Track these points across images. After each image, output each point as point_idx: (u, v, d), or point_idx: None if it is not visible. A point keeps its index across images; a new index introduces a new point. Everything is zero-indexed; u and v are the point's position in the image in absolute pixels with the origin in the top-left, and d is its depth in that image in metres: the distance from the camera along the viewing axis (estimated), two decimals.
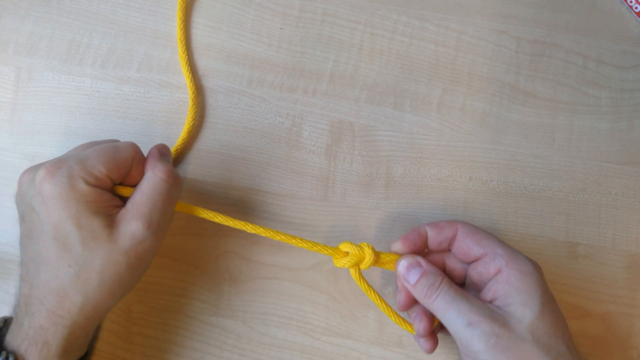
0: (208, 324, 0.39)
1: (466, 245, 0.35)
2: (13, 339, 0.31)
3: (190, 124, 0.40)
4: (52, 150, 0.41)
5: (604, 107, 0.42)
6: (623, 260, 0.40)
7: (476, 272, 0.35)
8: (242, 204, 0.40)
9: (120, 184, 0.34)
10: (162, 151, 0.35)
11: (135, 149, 0.34)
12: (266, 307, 0.39)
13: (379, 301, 0.36)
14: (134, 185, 0.34)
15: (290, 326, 0.39)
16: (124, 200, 0.34)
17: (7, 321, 0.33)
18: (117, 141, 0.36)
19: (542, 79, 0.43)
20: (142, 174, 0.34)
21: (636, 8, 0.43)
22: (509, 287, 0.32)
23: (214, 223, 0.40)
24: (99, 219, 0.31)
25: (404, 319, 0.37)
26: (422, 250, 0.36)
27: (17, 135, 0.41)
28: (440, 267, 0.36)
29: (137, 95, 0.42)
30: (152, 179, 0.33)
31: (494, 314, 0.32)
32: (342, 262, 0.36)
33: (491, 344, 0.31)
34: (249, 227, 0.35)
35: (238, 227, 0.35)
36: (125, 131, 0.41)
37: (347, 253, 0.36)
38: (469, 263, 0.36)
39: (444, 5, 0.43)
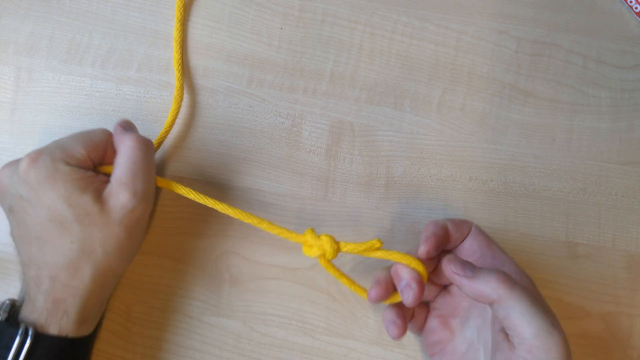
0: (208, 324, 0.39)
1: (477, 244, 0.35)
2: (29, 314, 0.32)
3: (170, 122, 0.40)
4: None
5: (604, 107, 0.42)
6: (623, 260, 0.40)
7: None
8: (242, 204, 0.40)
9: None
10: (124, 125, 0.36)
11: (107, 131, 0.35)
12: (266, 307, 0.39)
13: (354, 286, 0.36)
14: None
15: (290, 326, 0.39)
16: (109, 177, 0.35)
17: (15, 302, 0.34)
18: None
19: (542, 79, 0.43)
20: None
21: (636, 8, 0.43)
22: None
23: (214, 223, 0.40)
24: (87, 195, 0.32)
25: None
26: (444, 247, 0.35)
27: (17, 135, 0.41)
28: (433, 267, 0.36)
29: (137, 95, 0.42)
30: (124, 150, 0.34)
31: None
32: (309, 252, 0.35)
33: (567, 355, 0.29)
34: (219, 206, 0.35)
35: (209, 205, 0.36)
36: None
37: (312, 245, 0.35)
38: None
39: (444, 5, 0.43)
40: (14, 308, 0.33)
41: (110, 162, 0.35)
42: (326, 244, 0.34)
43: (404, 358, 0.39)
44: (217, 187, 0.41)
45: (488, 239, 0.35)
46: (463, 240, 0.36)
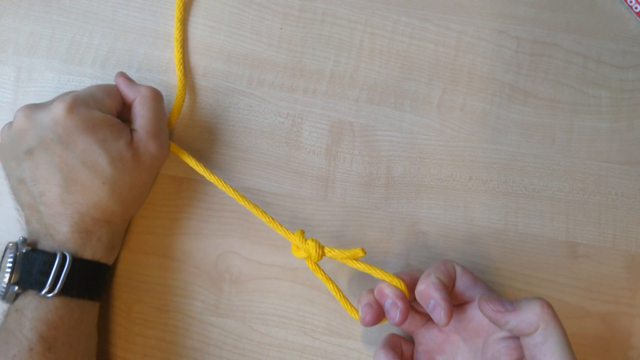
0: (208, 324, 0.39)
1: (463, 285, 0.34)
2: (61, 244, 0.34)
3: (172, 122, 0.40)
4: None
5: (604, 107, 0.42)
6: (623, 260, 0.40)
7: (478, 315, 0.34)
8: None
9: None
10: (127, 77, 0.39)
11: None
12: (266, 307, 0.39)
13: (339, 295, 0.36)
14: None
15: (290, 326, 0.39)
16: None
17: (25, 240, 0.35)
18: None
19: (542, 79, 0.43)
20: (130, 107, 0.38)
21: (636, 8, 0.43)
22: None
23: (214, 223, 0.40)
24: (122, 141, 0.35)
25: (354, 308, 0.36)
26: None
27: None
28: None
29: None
30: (144, 102, 0.37)
31: None
32: (297, 253, 0.36)
33: None
34: (220, 184, 0.38)
35: (212, 181, 0.38)
36: None
37: (298, 247, 0.36)
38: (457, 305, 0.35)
39: (444, 5, 0.43)
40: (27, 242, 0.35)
41: (127, 117, 0.38)
42: (312, 249, 0.35)
43: None
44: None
45: (472, 275, 0.34)
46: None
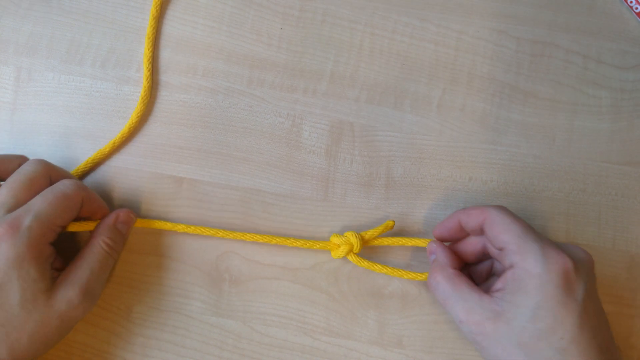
0: (208, 324, 0.39)
1: (492, 235, 0.35)
2: None
3: (135, 121, 0.40)
4: (52, 150, 0.41)
5: (604, 107, 0.42)
6: (623, 260, 0.40)
7: (500, 262, 0.36)
8: (242, 204, 0.40)
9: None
10: (121, 219, 0.37)
11: (81, 190, 0.35)
12: (266, 307, 0.39)
13: (388, 270, 0.38)
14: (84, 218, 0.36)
15: (290, 326, 0.39)
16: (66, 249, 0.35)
17: None
18: (24, 157, 0.37)
19: (542, 79, 0.43)
20: (94, 211, 0.36)
21: (636, 8, 0.43)
22: (512, 285, 0.33)
23: (214, 223, 0.40)
24: (43, 282, 0.32)
25: (417, 273, 0.38)
26: (460, 235, 0.38)
27: (17, 135, 0.41)
28: (480, 251, 0.37)
29: (137, 95, 0.42)
30: (96, 247, 0.35)
31: (484, 311, 0.33)
32: (338, 253, 0.38)
33: (477, 340, 0.33)
34: (246, 237, 0.39)
35: (232, 238, 0.39)
36: None
37: (338, 245, 0.38)
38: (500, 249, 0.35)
39: (444, 5, 0.43)
40: None
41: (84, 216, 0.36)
42: (352, 238, 0.38)
43: (403, 358, 0.39)
44: (217, 187, 0.41)
45: (501, 229, 0.34)
46: (484, 229, 0.35)
